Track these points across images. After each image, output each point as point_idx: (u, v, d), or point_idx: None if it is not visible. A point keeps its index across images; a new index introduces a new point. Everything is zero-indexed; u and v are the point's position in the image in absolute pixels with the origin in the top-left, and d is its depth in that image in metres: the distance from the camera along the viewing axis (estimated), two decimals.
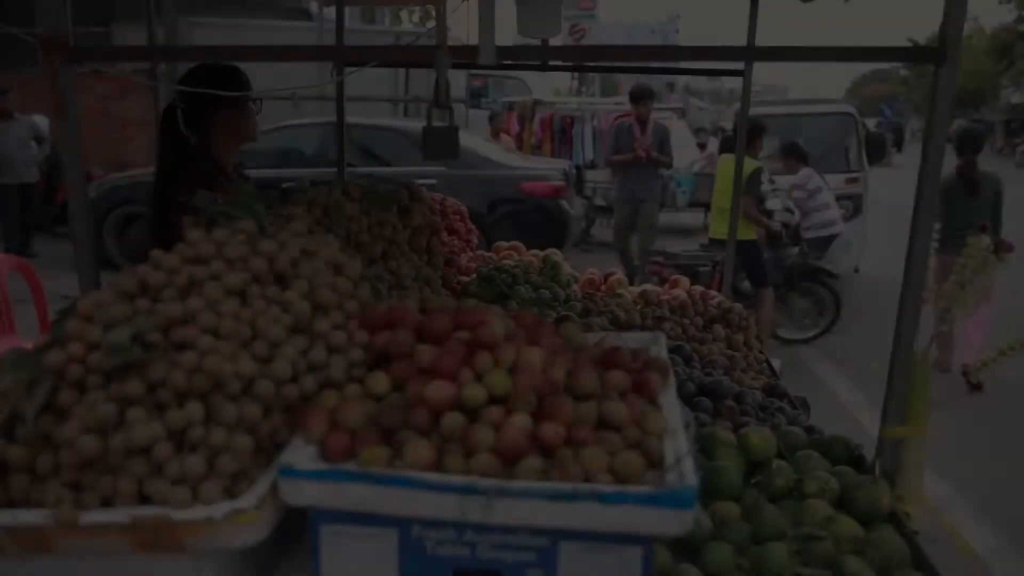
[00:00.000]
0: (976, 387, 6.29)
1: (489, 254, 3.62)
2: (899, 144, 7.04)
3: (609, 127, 9.18)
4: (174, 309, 1.33)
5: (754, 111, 4.77)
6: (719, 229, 7.14)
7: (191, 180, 2.58)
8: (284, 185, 2.42)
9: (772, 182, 7.60)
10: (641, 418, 1.39)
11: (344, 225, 2.14)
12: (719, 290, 6.89)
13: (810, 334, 7.59)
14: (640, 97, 8.84)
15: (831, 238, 8.37)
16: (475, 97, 15.98)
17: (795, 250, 7.64)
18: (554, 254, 3.43)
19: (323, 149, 9.41)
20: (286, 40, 14.13)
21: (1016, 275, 2.53)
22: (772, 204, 7.40)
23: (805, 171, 8.28)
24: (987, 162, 7.03)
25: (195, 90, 2.55)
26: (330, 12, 7.06)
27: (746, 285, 7.21)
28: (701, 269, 7.06)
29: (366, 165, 9.28)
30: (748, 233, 6.97)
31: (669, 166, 9.07)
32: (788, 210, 7.64)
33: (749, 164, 6.89)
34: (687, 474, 1.25)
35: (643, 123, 8.79)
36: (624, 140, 8.79)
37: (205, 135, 2.79)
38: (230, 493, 1.28)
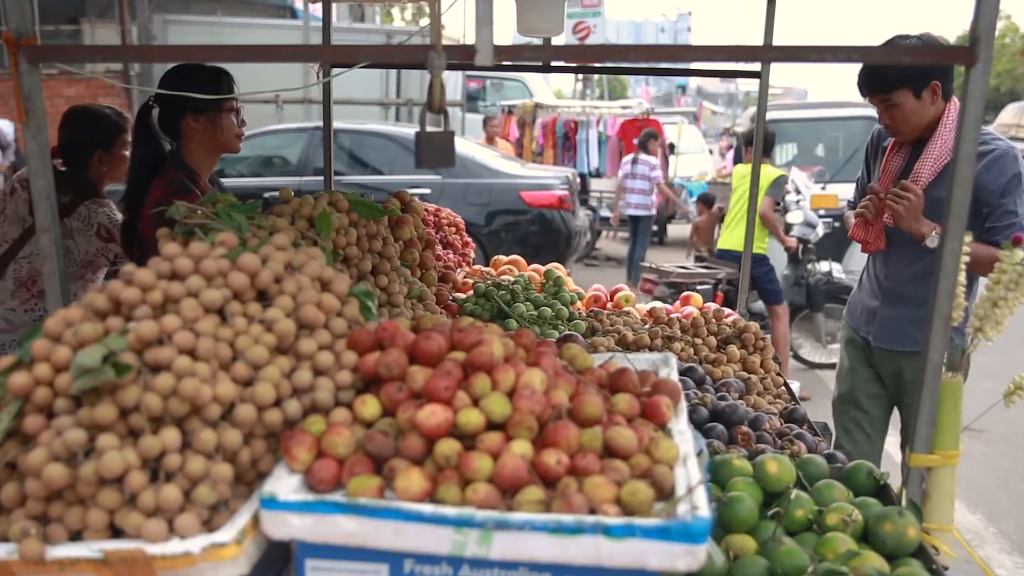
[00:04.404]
0: None
1: (487, 269, 3.64)
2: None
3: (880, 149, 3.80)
4: (148, 328, 1.33)
5: (772, 115, 4.77)
6: (729, 240, 7.10)
7: (163, 189, 2.60)
8: (267, 195, 2.43)
9: (799, 192, 7.53)
10: (650, 445, 1.40)
11: (331, 238, 2.14)
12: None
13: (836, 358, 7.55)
14: (886, 85, 3.12)
15: None
16: (472, 100, 16.05)
17: (820, 266, 7.53)
18: (556, 269, 3.44)
19: (309, 156, 9.45)
20: (269, 39, 14.22)
21: None
22: (792, 218, 7.35)
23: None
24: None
25: (162, 92, 2.55)
26: (316, 9, 7.09)
27: (759, 304, 7.14)
28: (699, 288, 6.98)
29: (355, 173, 9.32)
30: (757, 246, 6.77)
31: None
32: (809, 224, 7.55)
33: (772, 172, 6.88)
34: (699, 505, 1.25)
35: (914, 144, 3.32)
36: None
37: (180, 141, 2.78)
38: (208, 526, 1.28)
